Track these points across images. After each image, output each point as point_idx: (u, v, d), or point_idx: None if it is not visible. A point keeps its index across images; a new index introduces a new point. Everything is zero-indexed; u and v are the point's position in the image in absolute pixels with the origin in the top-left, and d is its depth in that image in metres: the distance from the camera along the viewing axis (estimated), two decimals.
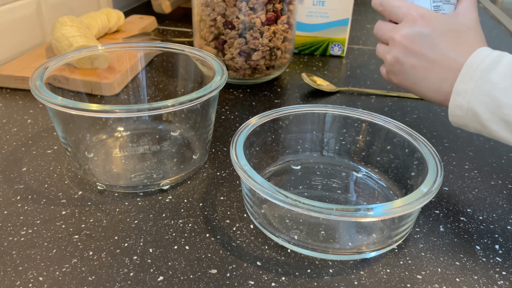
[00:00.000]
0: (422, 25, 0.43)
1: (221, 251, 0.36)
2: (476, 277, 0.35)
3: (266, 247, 0.37)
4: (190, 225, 0.39)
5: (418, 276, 0.34)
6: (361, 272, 0.35)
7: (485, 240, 0.38)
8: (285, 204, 0.32)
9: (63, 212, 0.39)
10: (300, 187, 0.44)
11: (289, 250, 0.36)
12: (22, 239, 0.36)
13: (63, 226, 0.38)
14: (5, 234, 0.37)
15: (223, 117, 0.56)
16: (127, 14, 0.95)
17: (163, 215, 0.40)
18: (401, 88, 0.47)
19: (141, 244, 0.36)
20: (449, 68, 0.41)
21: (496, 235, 0.39)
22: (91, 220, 0.39)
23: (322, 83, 0.66)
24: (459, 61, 0.40)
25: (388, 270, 0.35)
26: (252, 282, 0.33)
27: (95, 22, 0.72)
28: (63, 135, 0.42)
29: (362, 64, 0.76)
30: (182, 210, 0.40)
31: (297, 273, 0.34)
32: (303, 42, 0.79)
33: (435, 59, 0.42)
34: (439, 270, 0.35)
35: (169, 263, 0.35)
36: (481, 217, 0.41)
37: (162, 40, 0.81)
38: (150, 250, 0.36)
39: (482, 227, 0.40)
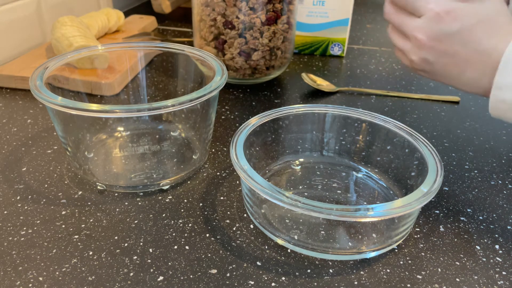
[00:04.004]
0: (448, 22, 0.39)
1: (221, 251, 0.36)
2: (476, 277, 0.35)
3: (266, 247, 0.37)
4: (190, 225, 0.39)
5: (418, 276, 0.34)
6: (361, 272, 0.35)
7: (485, 240, 0.38)
8: (285, 204, 0.32)
9: (63, 212, 0.39)
10: (300, 187, 0.44)
11: (289, 250, 0.36)
12: (22, 239, 0.36)
13: (63, 226, 0.38)
14: (5, 234, 0.37)
15: (223, 117, 0.56)
16: (127, 14, 0.95)
17: (163, 215, 0.40)
18: (433, 80, 0.44)
19: (141, 244, 0.36)
20: (486, 63, 0.38)
21: (496, 235, 0.39)
22: (91, 220, 0.39)
23: (322, 83, 0.66)
24: (495, 54, 0.38)
25: (388, 270, 0.35)
26: (252, 282, 0.33)
27: (95, 22, 0.72)
28: (63, 135, 0.42)
29: (362, 64, 0.76)
30: (182, 210, 0.40)
31: (297, 273, 0.34)
32: (303, 42, 0.79)
33: (468, 55, 0.39)
34: (439, 270, 0.35)
35: (169, 263, 0.35)
36: (481, 217, 0.41)
37: (162, 40, 0.81)
38: (150, 250, 0.36)
39: (482, 227, 0.40)
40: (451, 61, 0.40)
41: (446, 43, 0.39)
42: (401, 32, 0.43)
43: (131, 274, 0.34)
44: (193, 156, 0.47)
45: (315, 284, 0.33)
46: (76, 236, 0.37)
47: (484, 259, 0.36)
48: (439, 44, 0.40)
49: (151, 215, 0.40)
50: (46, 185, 0.43)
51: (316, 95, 0.64)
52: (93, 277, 0.33)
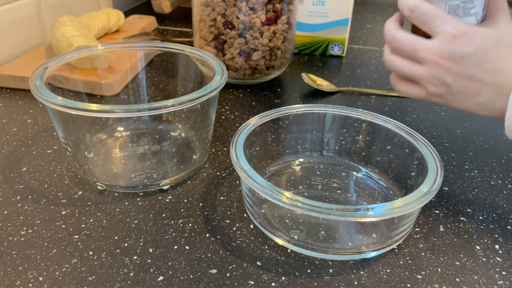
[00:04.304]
0: (463, 43, 0.39)
1: (221, 251, 0.36)
2: (476, 277, 0.35)
3: (266, 247, 0.37)
4: (190, 225, 0.39)
5: (418, 276, 0.34)
6: (361, 272, 0.35)
7: (485, 240, 0.38)
8: (285, 204, 0.32)
9: (63, 212, 0.39)
10: (300, 187, 0.44)
11: (289, 250, 0.36)
12: (22, 239, 0.36)
13: (63, 226, 0.38)
14: (5, 234, 0.37)
15: (223, 117, 0.56)
16: (127, 14, 0.95)
17: (163, 215, 0.40)
18: (446, 106, 0.44)
19: (141, 244, 0.36)
20: (500, 83, 0.39)
21: (496, 235, 0.39)
22: (91, 220, 0.39)
23: (322, 83, 0.66)
24: (510, 74, 0.38)
25: (388, 270, 0.35)
26: (252, 282, 0.33)
27: (95, 22, 0.72)
28: (63, 135, 0.42)
29: (362, 64, 0.76)
30: (182, 210, 0.40)
31: (297, 273, 0.34)
32: (303, 42, 0.79)
33: (483, 77, 0.39)
34: (439, 270, 0.35)
35: (169, 263, 0.35)
36: (481, 217, 0.41)
37: (162, 40, 0.81)
38: (150, 250, 0.36)
39: (482, 227, 0.40)
40: (466, 83, 0.40)
41: (462, 65, 0.40)
42: (411, 57, 0.42)
43: (131, 274, 0.34)
44: (193, 156, 0.47)
45: (315, 284, 0.33)
46: (76, 236, 0.37)
47: (484, 259, 0.36)
48: (455, 65, 0.40)
49: (151, 215, 0.40)
50: (46, 185, 0.43)
51: (316, 95, 0.64)
52: (93, 277, 0.33)
